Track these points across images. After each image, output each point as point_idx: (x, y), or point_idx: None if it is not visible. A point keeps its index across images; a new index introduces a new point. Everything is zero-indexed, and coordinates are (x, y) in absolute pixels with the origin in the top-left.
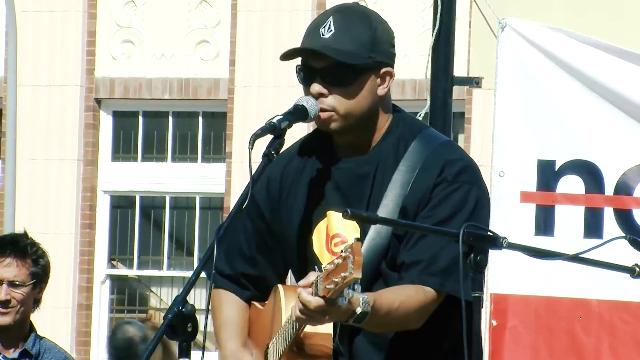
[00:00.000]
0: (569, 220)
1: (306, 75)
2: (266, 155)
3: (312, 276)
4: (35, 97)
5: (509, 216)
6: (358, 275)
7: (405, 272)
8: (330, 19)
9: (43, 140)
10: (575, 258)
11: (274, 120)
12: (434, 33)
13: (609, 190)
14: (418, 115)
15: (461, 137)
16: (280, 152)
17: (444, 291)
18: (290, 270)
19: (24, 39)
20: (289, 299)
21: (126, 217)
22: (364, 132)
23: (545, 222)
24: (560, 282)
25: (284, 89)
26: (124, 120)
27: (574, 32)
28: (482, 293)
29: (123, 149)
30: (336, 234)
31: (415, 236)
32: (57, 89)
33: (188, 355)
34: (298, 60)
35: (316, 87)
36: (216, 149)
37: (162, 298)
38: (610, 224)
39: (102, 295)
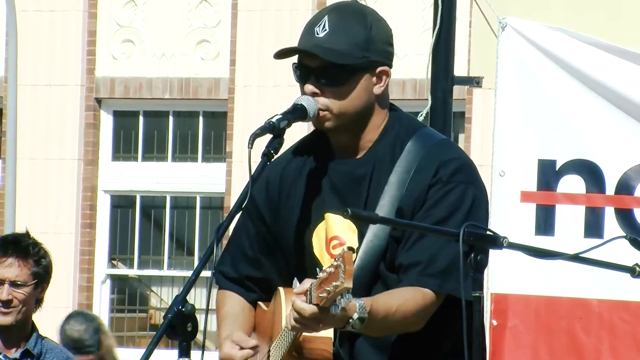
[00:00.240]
0: (570, 219)
1: (301, 74)
2: (265, 155)
3: (307, 283)
4: (36, 97)
5: (509, 216)
6: (349, 284)
7: (403, 274)
8: (326, 17)
9: (43, 140)
10: (576, 258)
11: (273, 120)
12: (434, 33)
13: (610, 189)
14: (419, 115)
15: (461, 137)
16: (279, 153)
17: (442, 292)
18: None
19: (24, 38)
20: (289, 302)
21: (126, 216)
22: (359, 131)
23: (545, 222)
24: (561, 282)
25: (284, 88)
26: (124, 120)
27: (574, 31)
28: (482, 293)
29: (123, 149)
30: (334, 236)
31: (413, 238)
32: (58, 88)
33: (188, 355)
34: (295, 58)
35: (310, 87)
36: (216, 149)
37: (162, 298)
38: (611, 224)
39: (102, 295)
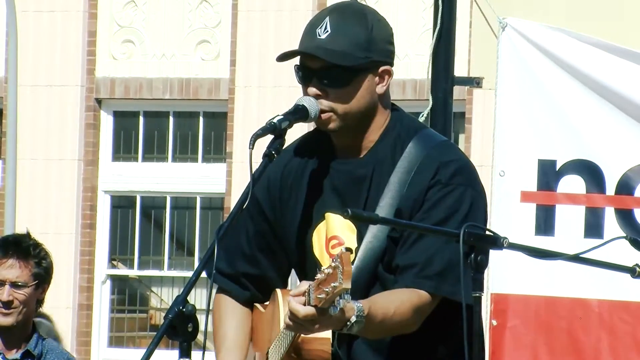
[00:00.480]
0: (570, 220)
1: (304, 76)
2: (267, 156)
3: (303, 285)
4: (36, 97)
5: (509, 216)
6: (347, 285)
7: (400, 276)
8: (327, 19)
9: (43, 140)
10: (576, 258)
11: (275, 120)
12: (435, 33)
13: (610, 190)
14: (421, 115)
15: (462, 137)
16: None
17: (438, 294)
18: (293, 271)
19: (24, 39)
20: (287, 303)
21: (127, 217)
22: (362, 131)
23: (545, 222)
24: (561, 282)
25: (284, 89)
26: (124, 120)
27: (575, 31)
28: (482, 293)
29: (124, 149)
30: (334, 236)
31: (411, 239)
32: (58, 89)
33: (188, 355)
34: (297, 60)
35: (313, 89)
36: (217, 149)
37: (162, 298)
38: (611, 224)
39: (102, 295)
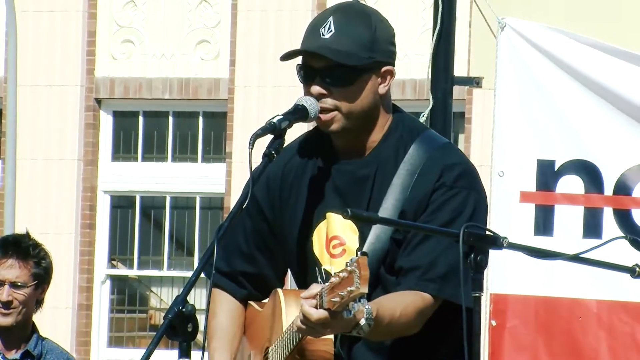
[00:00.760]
0: (569, 220)
1: (306, 75)
2: (266, 156)
3: (315, 288)
4: (35, 97)
5: (508, 216)
6: (365, 290)
7: (403, 278)
8: (330, 18)
9: (43, 140)
10: (575, 258)
11: (274, 120)
12: (435, 33)
13: (609, 190)
14: (421, 116)
15: (461, 137)
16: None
17: (441, 297)
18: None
19: (24, 39)
20: (289, 304)
21: (126, 217)
22: (365, 132)
23: (544, 222)
24: (560, 282)
25: (284, 89)
26: (124, 120)
27: (574, 32)
28: (481, 293)
29: (123, 149)
30: (335, 236)
31: (414, 241)
32: (57, 89)
33: (188, 355)
34: (299, 59)
35: (317, 88)
36: (216, 149)
37: (162, 298)
38: (610, 224)
39: (102, 296)
